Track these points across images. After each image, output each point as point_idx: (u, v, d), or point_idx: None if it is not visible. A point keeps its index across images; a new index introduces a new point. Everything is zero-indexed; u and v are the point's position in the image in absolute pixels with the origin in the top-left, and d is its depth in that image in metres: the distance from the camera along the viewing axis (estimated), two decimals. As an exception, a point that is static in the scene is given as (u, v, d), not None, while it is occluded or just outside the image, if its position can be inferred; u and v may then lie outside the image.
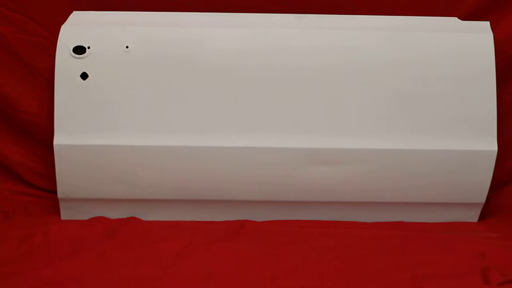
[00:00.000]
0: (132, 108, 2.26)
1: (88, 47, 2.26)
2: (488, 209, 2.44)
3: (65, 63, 2.25)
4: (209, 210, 2.36)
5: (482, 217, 2.43)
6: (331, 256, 2.11)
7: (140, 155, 2.27)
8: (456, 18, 2.43)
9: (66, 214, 2.37)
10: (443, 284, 1.95)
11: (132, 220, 2.32)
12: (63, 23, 2.32)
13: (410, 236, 2.24)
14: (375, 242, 2.20)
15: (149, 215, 2.36)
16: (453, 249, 2.16)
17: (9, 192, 2.50)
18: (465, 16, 2.46)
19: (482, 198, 2.37)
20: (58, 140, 2.25)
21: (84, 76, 2.25)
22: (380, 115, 2.28)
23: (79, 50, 2.26)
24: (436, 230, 2.31)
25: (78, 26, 2.31)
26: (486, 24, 2.37)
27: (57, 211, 2.38)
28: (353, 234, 2.26)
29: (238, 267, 2.04)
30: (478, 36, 2.32)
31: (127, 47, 2.26)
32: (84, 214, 2.36)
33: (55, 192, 2.34)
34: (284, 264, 2.06)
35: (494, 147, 2.29)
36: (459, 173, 2.32)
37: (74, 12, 2.39)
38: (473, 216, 2.42)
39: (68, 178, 2.30)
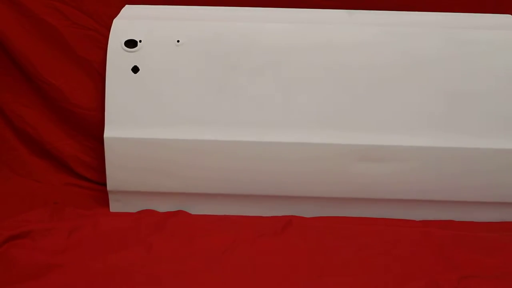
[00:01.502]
0: (182, 102, 2.27)
1: (140, 41, 2.28)
2: (540, 209, 2.41)
3: (116, 56, 2.28)
4: (256, 205, 2.36)
5: (533, 217, 2.40)
6: (378, 253, 2.11)
7: (189, 149, 2.27)
8: (509, 15, 2.40)
9: (115, 206, 2.40)
10: (491, 285, 1.94)
11: (180, 214, 2.34)
12: (115, 17, 2.34)
13: (459, 235, 2.22)
14: (424, 240, 2.19)
15: (197, 209, 2.37)
16: (503, 249, 2.14)
17: (60, 183, 2.54)
18: (519, 13, 2.44)
19: (534, 198, 2.34)
20: (109, 133, 2.28)
21: (135, 69, 2.27)
22: (430, 112, 2.26)
23: (131, 43, 2.28)
24: (486, 230, 2.28)
25: (130, 20, 2.33)
26: (540, 21, 2.34)
27: (106, 204, 2.41)
28: (402, 231, 2.24)
29: (284, 263, 2.05)
30: (532, 34, 2.30)
31: (178, 41, 2.27)
32: (133, 206, 2.38)
33: (105, 185, 2.36)
34: (331, 260, 2.06)
35: (548, 146, 2.27)
36: (510, 172, 2.29)
37: (126, 6, 2.42)
38: (524, 216, 2.39)
39: (118, 171, 2.32)
